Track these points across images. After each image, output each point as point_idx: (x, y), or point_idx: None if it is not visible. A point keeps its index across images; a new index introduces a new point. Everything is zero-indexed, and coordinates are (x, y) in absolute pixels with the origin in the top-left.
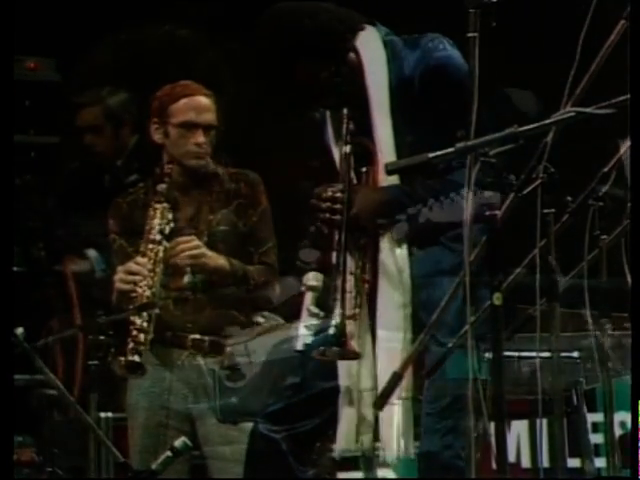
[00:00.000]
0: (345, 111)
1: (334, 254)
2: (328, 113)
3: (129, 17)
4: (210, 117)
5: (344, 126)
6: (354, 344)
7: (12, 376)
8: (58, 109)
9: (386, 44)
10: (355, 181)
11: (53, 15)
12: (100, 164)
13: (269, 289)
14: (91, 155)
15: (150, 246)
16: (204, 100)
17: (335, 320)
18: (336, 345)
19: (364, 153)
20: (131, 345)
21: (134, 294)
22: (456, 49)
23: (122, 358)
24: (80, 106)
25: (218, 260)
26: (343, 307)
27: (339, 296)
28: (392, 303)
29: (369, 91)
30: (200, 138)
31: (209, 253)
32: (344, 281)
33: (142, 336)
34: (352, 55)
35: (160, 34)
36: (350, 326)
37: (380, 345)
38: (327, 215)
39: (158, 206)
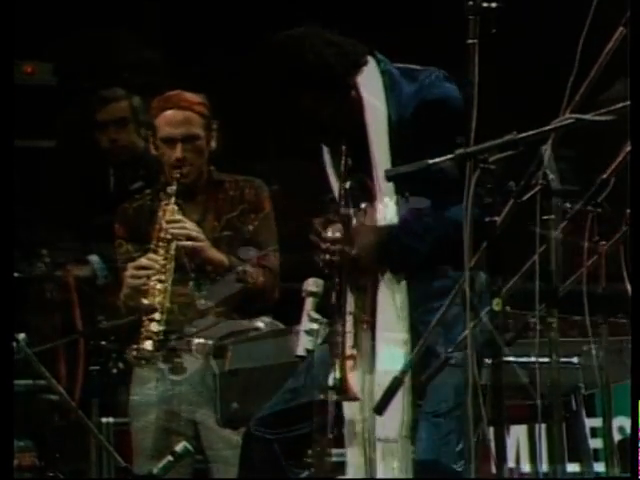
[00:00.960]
0: (343, 148)
1: (334, 295)
2: (326, 149)
3: (124, 21)
4: (186, 129)
5: (342, 163)
6: (354, 386)
7: (12, 381)
8: (58, 111)
9: (384, 75)
10: (354, 217)
11: (50, 20)
12: (116, 160)
13: (268, 291)
14: (112, 149)
15: (161, 244)
16: (179, 114)
17: (335, 374)
18: (337, 394)
19: (363, 189)
20: (143, 334)
21: (145, 287)
22: (453, 84)
23: (135, 345)
24: (103, 101)
25: (217, 254)
26: (343, 356)
27: (339, 340)
28: (392, 341)
29: (368, 128)
30: (178, 153)
31: (208, 245)
32: (344, 325)
33: (154, 325)
34: (353, 92)
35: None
36: (349, 368)
37: (380, 382)
38: (327, 257)
39: (168, 208)
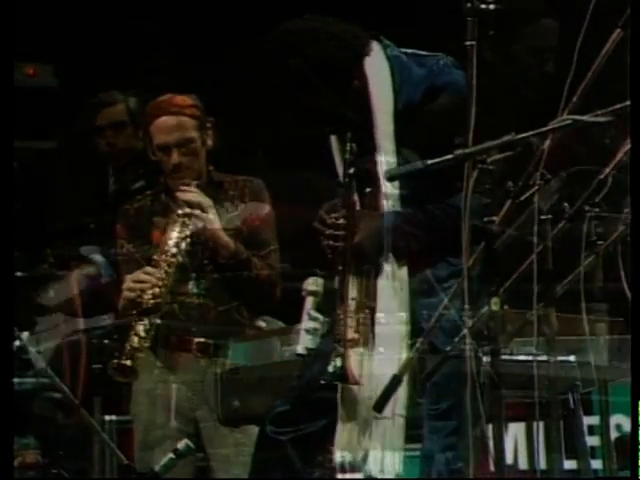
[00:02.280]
0: (348, 135)
1: (336, 280)
2: (333, 137)
3: (126, 24)
4: (180, 134)
5: (347, 149)
6: (355, 371)
7: (12, 379)
8: (60, 113)
9: (390, 61)
10: (358, 203)
11: (51, 22)
12: (116, 163)
13: (270, 286)
14: (111, 153)
15: (163, 257)
16: (171, 119)
17: (336, 362)
18: (338, 380)
19: (368, 175)
20: (127, 349)
21: (140, 300)
22: (461, 70)
23: (115, 361)
24: (100, 105)
25: (225, 237)
26: (345, 342)
27: (341, 326)
28: (392, 326)
29: (374, 115)
30: (174, 158)
31: (218, 224)
32: (346, 311)
33: (136, 340)
34: (357, 81)
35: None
36: (350, 351)
37: (380, 366)
38: (330, 242)
39: (179, 220)
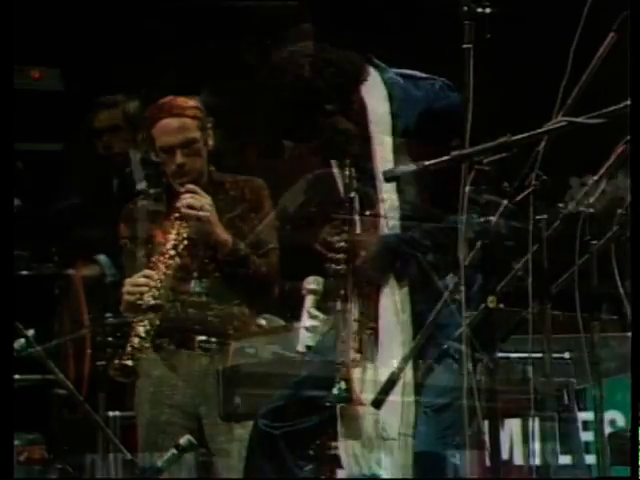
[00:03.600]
0: (347, 161)
1: (339, 303)
2: (334, 162)
3: (130, 30)
4: (183, 135)
5: (346, 174)
6: (358, 392)
7: (12, 376)
8: (65, 116)
9: (387, 85)
10: (359, 226)
11: (57, 26)
12: (114, 166)
13: (269, 283)
14: (108, 156)
15: (162, 259)
16: (174, 121)
17: (341, 384)
18: (343, 402)
19: (368, 199)
20: (128, 349)
21: (139, 302)
22: (457, 93)
23: (116, 361)
24: (98, 108)
25: (224, 233)
26: (348, 365)
27: (345, 348)
28: (394, 345)
29: (372, 140)
30: (178, 159)
31: (217, 222)
32: (348, 333)
33: (137, 341)
34: (356, 106)
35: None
36: (353, 372)
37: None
38: (332, 266)
39: (176, 223)
